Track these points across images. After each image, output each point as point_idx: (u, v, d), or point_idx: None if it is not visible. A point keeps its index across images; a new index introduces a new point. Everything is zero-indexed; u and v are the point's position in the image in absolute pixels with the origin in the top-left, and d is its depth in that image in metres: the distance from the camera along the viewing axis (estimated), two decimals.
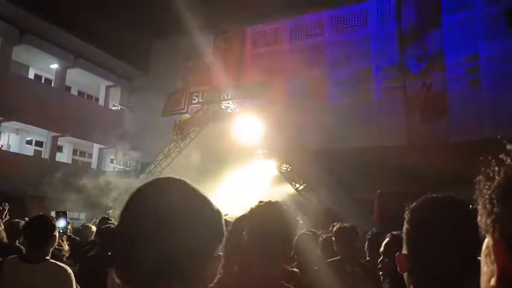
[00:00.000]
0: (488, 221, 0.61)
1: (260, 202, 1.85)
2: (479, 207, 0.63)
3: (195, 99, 14.08)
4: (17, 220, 4.09)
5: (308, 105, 17.82)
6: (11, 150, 18.38)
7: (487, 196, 0.62)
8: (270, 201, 1.85)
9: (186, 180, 0.95)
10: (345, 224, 3.65)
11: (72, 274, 2.82)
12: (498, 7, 14.54)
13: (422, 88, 14.91)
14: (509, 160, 0.61)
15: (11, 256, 2.83)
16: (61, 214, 3.86)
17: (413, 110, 14.87)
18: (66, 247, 3.86)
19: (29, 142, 19.94)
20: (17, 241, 3.92)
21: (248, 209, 1.86)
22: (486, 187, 0.62)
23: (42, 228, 2.80)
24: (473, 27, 15.07)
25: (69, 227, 5.24)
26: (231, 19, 18.74)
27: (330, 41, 17.58)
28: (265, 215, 1.78)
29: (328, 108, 16.96)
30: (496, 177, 0.61)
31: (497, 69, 14.23)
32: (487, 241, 0.63)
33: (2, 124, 17.36)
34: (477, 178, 0.64)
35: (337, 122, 16.07)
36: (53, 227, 2.86)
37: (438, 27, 15.26)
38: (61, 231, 3.66)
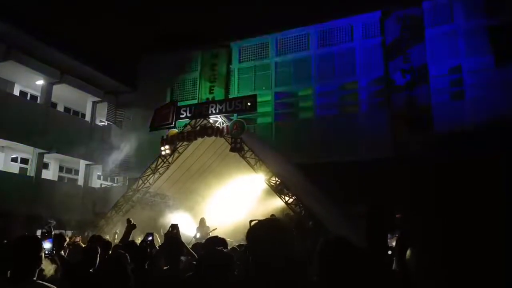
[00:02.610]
0: None
1: (252, 220, 1.98)
2: None
3: (182, 114, 14.00)
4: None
5: (295, 118, 17.98)
6: None
7: None
8: (265, 219, 2.03)
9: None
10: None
11: None
12: (478, 21, 14.96)
13: (407, 101, 15.13)
14: None
15: None
16: (47, 234, 3.76)
17: (399, 123, 15.05)
18: (51, 269, 3.76)
19: (14, 160, 19.64)
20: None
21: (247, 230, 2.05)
22: None
23: (28, 249, 2.77)
24: (455, 40, 15.43)
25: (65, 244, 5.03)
26: (218, 34, 18.90)
27: (316, 55, 17.82)
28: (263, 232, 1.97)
29: (316, 121, 17.11)
30: None
31: (480, 81, 14.56)
32: None
33: None
34: None
35: (325, 134, 16.22)
36: (39, 248, 2.83)
37: (421, 41, 15.56)
38: (46, 251, 3.59)
